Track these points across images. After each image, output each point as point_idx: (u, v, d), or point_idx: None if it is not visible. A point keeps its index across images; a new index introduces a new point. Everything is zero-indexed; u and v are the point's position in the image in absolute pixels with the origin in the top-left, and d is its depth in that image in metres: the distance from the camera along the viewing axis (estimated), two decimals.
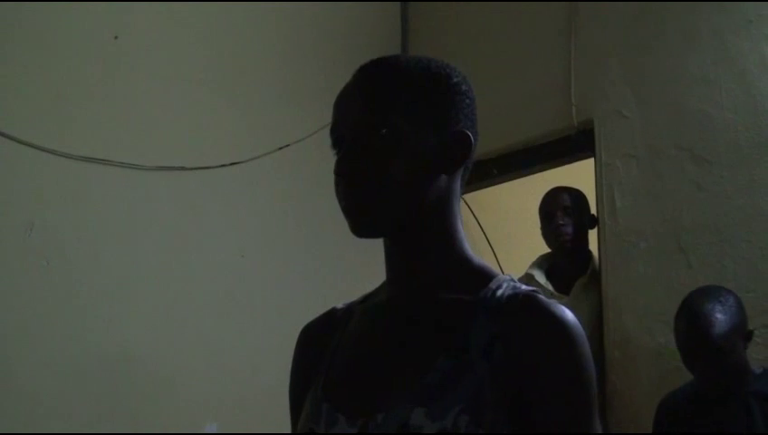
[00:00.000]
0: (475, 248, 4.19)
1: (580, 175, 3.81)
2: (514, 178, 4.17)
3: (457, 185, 1.32)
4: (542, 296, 1.22)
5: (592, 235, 3.64)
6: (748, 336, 2.63)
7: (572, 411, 1.16)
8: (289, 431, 1.38)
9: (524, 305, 1.21)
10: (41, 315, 3.24)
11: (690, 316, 2.61)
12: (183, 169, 3.63)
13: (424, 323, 1.27)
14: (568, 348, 1.17)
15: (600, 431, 1.18)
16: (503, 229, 4.33)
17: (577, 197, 3.64)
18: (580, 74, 3.67)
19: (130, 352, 3.41)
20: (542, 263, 3.70)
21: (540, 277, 3.60)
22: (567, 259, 3.63)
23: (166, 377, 3.48)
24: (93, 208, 3.43)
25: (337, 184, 1.27)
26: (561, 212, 3.57)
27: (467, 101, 1.32)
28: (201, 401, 3.54)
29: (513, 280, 1.30)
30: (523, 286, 1.27)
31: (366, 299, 1.41)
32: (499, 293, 1.25)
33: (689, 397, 2.74)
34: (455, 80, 1.32)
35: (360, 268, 3.71)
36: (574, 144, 3.73)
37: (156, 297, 3.51)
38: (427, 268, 1.30)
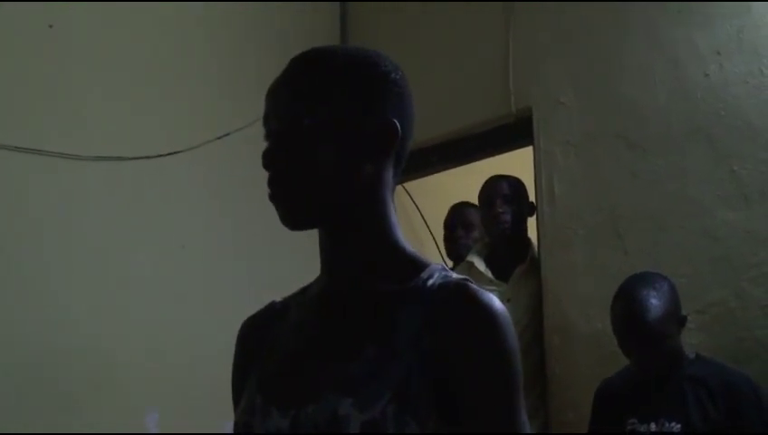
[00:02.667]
0: (417, 236, 4.23)
1: (519, 163, 3.84)
2: (454, 167, 4.20)
3: (388, 174, 1.32)
4: (472, 285, 1.23)
5: (531, 222, 3.68)
6: (682, 321, 2.68)
7: (497, 399, 1.17)
8: (230, 417, 1.38)
9: (453, 294, 1.22)
10: None
11: (625, 302, 2.65)
12: (121, 159, 3.59)
13: (354, 312, 1.27)
14: (494, 336, 1.17)
15: (526, 421, 1.19)
16: (443, 217, 4.36)
17: (516, 185, 3.67)
18: (518, 63, 3.70)
19: (70, 341, 3.37)
20: (482, 250, 3.73)
21: (479, 265, 3.63)
22: (506, 247, 3.66)
23: (106, 365, 3.45)
24: (29, 199, 3.38)
25: (268, 178, 1.27)
26: (501, 200, 3.60)
27: (396, 89, 1.31)
28: (142, 388, 3.52)
29: (445, 269, 1.30)
30: (455, 275, 1.28)
31: (304, 291, 1.41)
32: (430, 282, 1.25)
33: (626, 382, 2.78)
34: (382, 69, 1.31)
35: (299, 260, 3.71)
36: (513, 132, 3.76)
37: (95, 288, 3.47)
38: (358, 258, 1.30)
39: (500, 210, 3.59)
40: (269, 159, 1.26)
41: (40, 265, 3.36)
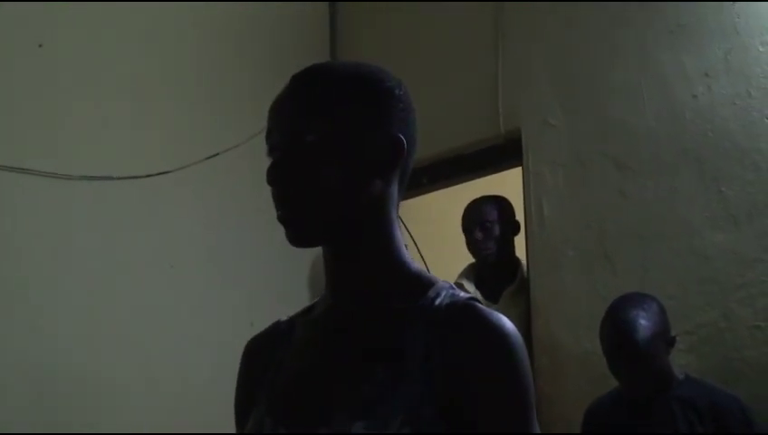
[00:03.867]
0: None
1: (508, 183, 3.85)
2: (444, 187, 4.19)
3: (394, 190, 1.32)
4: (480, 305, 1.23)
5: (520, 242, 3.67)
6: (671, 342, 2.68)
7: (511, 419, 1.17)
8: None
9: (463, 314, 1.22)
10: None
11: (614, 323, 2.65)
12: (110, 178, 3.58)
13: (362, 332, 1.27)
14: (506, 356, 1.18)
15: None
16: (432, 238, 4.35)
17: (497, 206, 3.67)
18: (508, 84, 3.71)
19: (57, 364, 3.35)
20: (471, 272, 3.74)
21: (469, 286, 3.63)
22: (494, 269, 3.66)
23: (94, 388, 3.42)
24: (17, 219, 3.36)
25: (272, 194, 1.27)
26: (478, 228, 3.61)
27: (401, 105, 1.32)
28: (130, 413, 3.49)
29: (452, 287, 1.30)
30: (462, 294, 1.28)
31: (308, 311, 1.40)
32: (438, 301, 1.25)
33: (615, 402, 2.78)
34: (386, 84, 1.32)
35: (289, 278, 3.71)
36: (502, 153, 3.77)
37: (83, 308, 3.45)
38: (364, 276, 1.30)
39: (477, 238, 3.60)
40: (274, 176, 1.25)
41: (25, 287, 3.34)
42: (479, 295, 3.59)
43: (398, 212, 1.34)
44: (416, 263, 1.34)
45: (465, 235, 3.67)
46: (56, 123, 3.49)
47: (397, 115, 1.31)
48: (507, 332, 1.19)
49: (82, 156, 3.53)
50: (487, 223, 3.60)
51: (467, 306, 1.23)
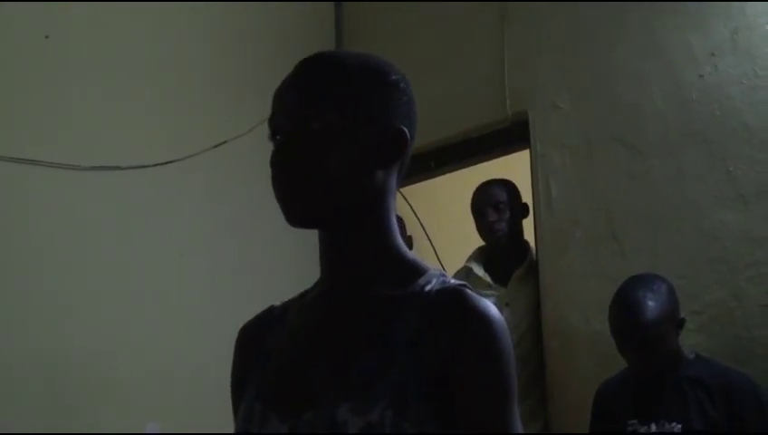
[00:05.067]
0: (415, 241, 4.23)
1: (515, 166, 3.85)
2: (451, 171, 4.20)
3: (393, 180, 1.34)
4: (469, 291, 1.24)
5: (528, 225, 3.68)
6: (680, 323, 2.68)
7: (491, 402, 1.19)
8: (230, 429, 1.38)
9: (450, 299, 1.23)
10: None
11: (622, 304, 2.66)
12: (118, 168, 3.59)
13: (352, 317, 1.28)
14: (488, 341, 1.19)
15: (518, 421, 1.21)
16: (440, 222, 4.36)
17: (507, 189, 3.66)
18: (514, 66, 3.71)
19: (70, 352, 3.37)
20: (480, 255, 3.73)
21: (478, 270, 3.63)
22: (503, 252, 3.66)
23: (106, 376, 3.44)
24: (27, 210, 3.38)
25: (272, 174, 1.28)
26: (492, 208, 3.59)
27: (405, 98, 1.33)
28: (142, 400, 3.51)
29: (443, 275, 1.31)
30: (453, 281, 1.29)
31: (303, 296, 1.42)
32: (428, 287, 1.26)
33: (625, 383, 2.79)
34: (393, 77, 1.33)
35: (298, 266, 3.71)
36: (509, 136, 3.77)
37: (94, 297, 3.47)
38: (359, 262, 1.32)
39: (492, 219, 3.59)
40: (278, 159, 1.27)
41: (37, 276, 3.36)
42: (488, 278, 3.60)
43: (395, 200, 1.36)
44: (410, 252, 1.36)
45: (477, 217, 3.66)
46: (64, 114, 3.50)
47: (401, 108, 1.33)
48: (491, 317, 1.21)
49: (91, 147, 3.55)
50: (500, 204, 3.59)
51: (455, 292, 1.24)
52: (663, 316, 2.61)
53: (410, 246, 3.47)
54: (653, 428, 2.62)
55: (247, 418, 1.28)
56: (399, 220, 1.34)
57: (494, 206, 3.60)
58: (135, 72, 3.74)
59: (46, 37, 3.50)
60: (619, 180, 3.30)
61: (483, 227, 3.64)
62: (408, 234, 3.82)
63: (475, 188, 3.72)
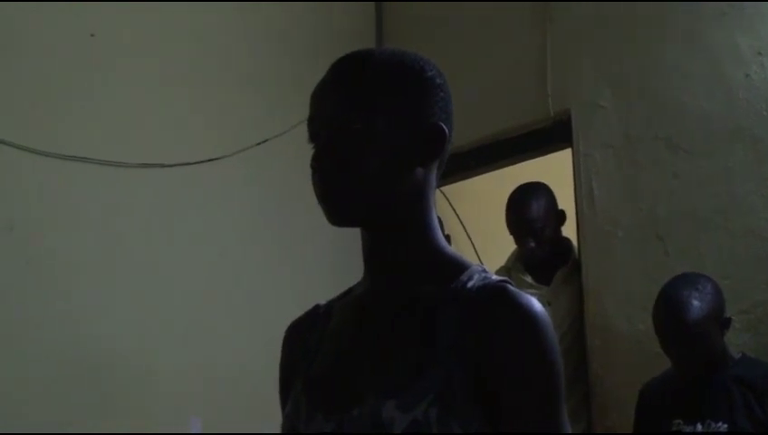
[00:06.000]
0: (455, 239, 4.22)
1: (557, 166, 3.83)
2: (492, 170, 4.18)
3: (433, 177, 1.34)
4: (511, 287, 1.24)
5: (570, 224, 3.63)
6: (725, 323, 2.66)
7: (538, 399, 1.18)
8: (270, 424, 1.39)
9: (493, 296, 1.23)
10: (22, 314, 3.23)
11: (667, 302, 2.64)
12: (163, 166, 3.63)
13: (395, 315, 1.28)
14: (534, 338, 1.19)
15: (566, 421, 1.20)
16: (480, 221, 4.35)
17: (541, 204, 3.53)
18: (556, 65, 3.69)
19: (114, 349, 3.41)
20: (521, 255, 3.70)
21: (519, 269, 3.61)
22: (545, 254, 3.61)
23: (149, 372, 3.48)
24: (74, 207, 3.42)
25: (313, 175, 1.28)
26: (530, 236, 3.49)
27: (441, 94, 1.33)
28: (185, 396, 3.54)
29: (485, 271, 1.31)
30: (495, 277, 1.29)
31: (346, 294, 1.42)
32: (470, 284, 1.26)
33: (670, 383, 2.77)
34: (429, 73, 1.33)
35: (338, 264, 3.72)
36: (551, 135, 3.75)
37: (138, 294, 3.51)
38: (401, 260, 1.32)
39: (531, 247, 3.49)
40: (319, 161, 1.27)
41: (83, 274, 3.40)
42: (529, 278, 3.58)
43: (434, 197, 1.36)
44: (451, 248, 1.36)
45: (516, 240, 3.58)
46: (109, 112, 3.54)
47: (438, 104, 1.32)
48: (535, 312, 1.20)
49: (136, 144, 3.59)
50: (538, 229, 3.49)
51: (498, 288, 1.24)
52: (707, 315, 2.58)
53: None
54: (698, 428, 2.60)
55: (294, 414, 1.29)
56: (438, 219, 1.34)
57: (533, 233, 3.49)
58: (178, 70, 3.78)
59: (92, 36, 3.55)
60: (663, 180, 3.27)
61: (522, 250, 3.58)
62: (447, 233, 3.79)
63: (509, 196, 3.62)
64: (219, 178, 3.80)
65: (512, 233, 3.60)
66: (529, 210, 3.51)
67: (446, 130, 1.31)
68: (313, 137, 1.31)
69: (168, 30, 3.79)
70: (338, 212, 1.28)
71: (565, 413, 1.20)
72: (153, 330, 3.51)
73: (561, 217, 3.59)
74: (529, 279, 3.58)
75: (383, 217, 1.30)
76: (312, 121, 1.32)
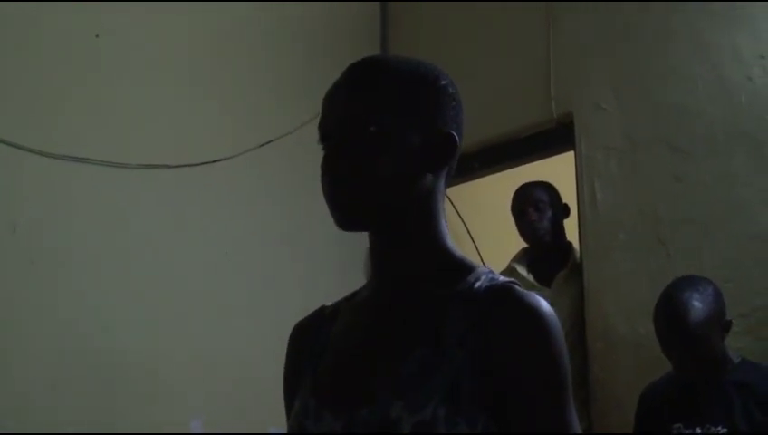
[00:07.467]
0: (458, 242, 4.23)
1: (559, 168, 3.84)
2: (495, 172, 4.20)
3: (442, 183, 1.35)
4: (518, 287, 1.25)
5: (571, 227, 3.66)
6: (726, 326, 2.66)
7: (547, 400, 1.19)
8: (274, 427, 1.40)
9: (500, 296, 1.24)
10: (25, 314, 3.25)
11: (667, 304, 2.64)
12: (166, 166, 3.64)
13: (404, 316, 1.29)
14: (542, 338, 1.20)
15: (575, 420, 1.21)
16: (484, 223, 4.35)
17: (547, 190, 3.66)
18: (559, 68, 3.70)
19: (116, 350, 3.42)
20: (524, 256, 3.73)
21: (522, 270, 3.63)
22: (547, 253, 3.65)
23: (151, 374, 3.49)
24: (77, 207, 3.44)
25: (323, 177, 1.29)
26: (533, 208, 3.59)
27: (454, 103, 1.35)
28: (186, 398, 3.55)
29: (491, 272, 1.32)
30: (501, 278, 1.30)
31: (353, 296, 1.43)
32: (477, 285, 1.27)
33: (670, 386, 2.77)
34: (442, 82, 1.35)
35: (343, 265, 3.73)
36: (554, 137, 3.76)
37: (140, 294, 3.52)
38: (410, 263, 1.33)
39: (533, 218, 3.58)
40: (331, 162, 1.29)
41: (86, 275, 3.42)
42: (531, 279, 3.59)
43: (444, 202, 1.37)
44: (459, 251, 1.37)
45: (518, 217, 3.66)
46: (113, 113, 3.55)
47: (450, 112, 1.34)
48: (543, 313, 1.21)
49: (140, 145, 3.60)
50: (540, 203, 3.59)
51: (505, 288, 1.25)
52: (708, 318, 2.58)
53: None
54: (698, 431, 2.60)
55: (302, 413, 1.30)
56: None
57: (535, 205, 3.60)
58: (183, 71, 3.79)
59: (96, 36, 3.56)
60: (665, 182, 3.28)
61: (524, 227, 3.64)
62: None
63: (515, 190, 3.71)
64: (224, 178, 3.81)
65: (514, 213, 3.69)
66: (534, 190, 3.68)
67: (457, 139, 1.33)
68: (325, 138, 1.32)
69: (173, 31, 3.80)
70: (346, 217, 1.29)
71: (574, 413, 1.21)
72: (155, 331, 3.53)
73: (566, 210, 3.66)
74: (531, 279, 3.59)
75: (392, 222, 1.31)
76: (324, 122, 1.33)
